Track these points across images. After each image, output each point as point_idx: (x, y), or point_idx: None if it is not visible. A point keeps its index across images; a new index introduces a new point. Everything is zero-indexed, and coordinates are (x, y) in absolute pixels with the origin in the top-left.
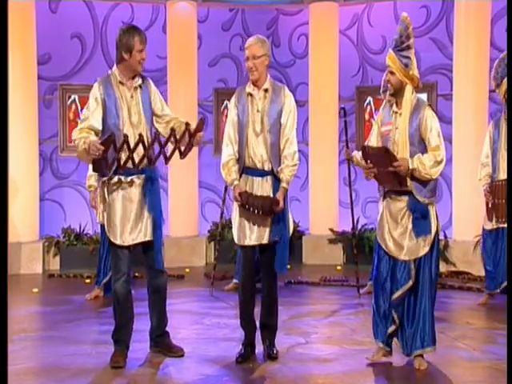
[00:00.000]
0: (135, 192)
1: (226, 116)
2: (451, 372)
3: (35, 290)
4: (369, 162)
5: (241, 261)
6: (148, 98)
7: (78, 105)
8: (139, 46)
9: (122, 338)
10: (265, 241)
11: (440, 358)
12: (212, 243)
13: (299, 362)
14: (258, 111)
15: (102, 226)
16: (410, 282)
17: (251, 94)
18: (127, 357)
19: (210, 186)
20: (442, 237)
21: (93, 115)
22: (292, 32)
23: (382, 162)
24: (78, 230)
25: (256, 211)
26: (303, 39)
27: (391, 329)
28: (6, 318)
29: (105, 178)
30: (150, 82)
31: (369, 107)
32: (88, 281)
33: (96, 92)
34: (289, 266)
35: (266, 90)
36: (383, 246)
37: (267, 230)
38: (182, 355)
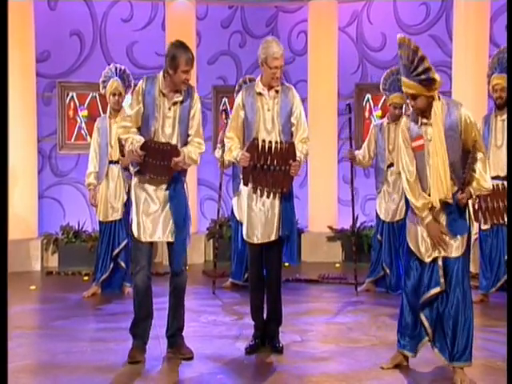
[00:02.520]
0: (160, 191)
1: (226, 114)
2: (446, 369)
3: (33, 287)
4: None
5: (249, 257)
6: (187, 114)
7: (77, 102)
8: (184, 67)
9: (139, 332)
10: (273, 237)
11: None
12: (211, 241)
13: (294, 360)
14: (268, 110)
15: (101, 224)
16: (438, 289)
17: (261, 94)
18: (145, 352)
19: (208, 184)
20: None
21: (135, 114)
22: (291, 29)
23: None
24: (76, 227)
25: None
26: (302, 36)
27: (425, 339)
28: (6, 316)
29: (134, 169)
30: (196, 99)
31: (368, 104)
32: (86, 278)
33: (140, 91)
34: (287, 264)
35: (276, 91)
36: (415, 251)
37: (275, 226)
38: (191, 357)
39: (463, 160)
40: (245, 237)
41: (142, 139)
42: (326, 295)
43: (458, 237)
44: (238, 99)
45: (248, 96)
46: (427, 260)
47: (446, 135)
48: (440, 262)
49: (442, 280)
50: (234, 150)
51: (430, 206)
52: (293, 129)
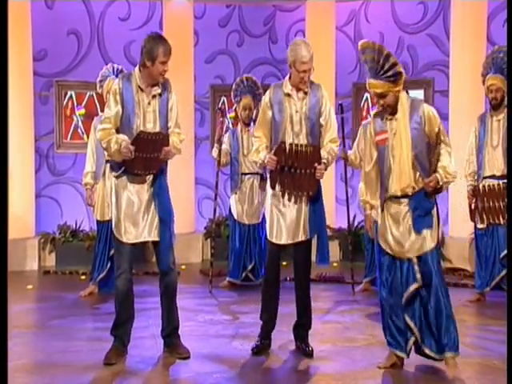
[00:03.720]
0: (143, 191)
1: (222, 112)
2: (442, 368)
3: (30, 286)
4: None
5: (267, 257)
6: (165, 106)
7: (75, 101)
8: (162, 58)
9: (118, 334)
10: (298, 239)
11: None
12: (208, 240)
13: (291, 360)
14: (296, 111)
15: (99, 223)
16: (416, 285)
17: (289, 94)
18: (123, 354)
19: (206, 183)
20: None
21: (114, 115)
22: (289, 28)
23: None
24: (73, 226)
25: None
26: (300, 35)
27: (412, 339)
28: (6, 315)
29: (115, 174)
30: (172, 91)
31: (366, 104)
32: (83, 277)
33: (116, 91)
34: (285, 263)
35: (305, 93)
36: (385, 248)
37: (301, 228)
38: (188, 357)
39: (429, 153)
40: (268, 237)
41: (126, 137)
42: (323, 294)
43: (425, 231)
44: (266, 98)
45: (275, 95)
46: (402, 256)
47: (411, 128)
48: (415, 259)
49: (418, 276)
50: (261, 151)
51: (367, 205)
52: (321, 129)
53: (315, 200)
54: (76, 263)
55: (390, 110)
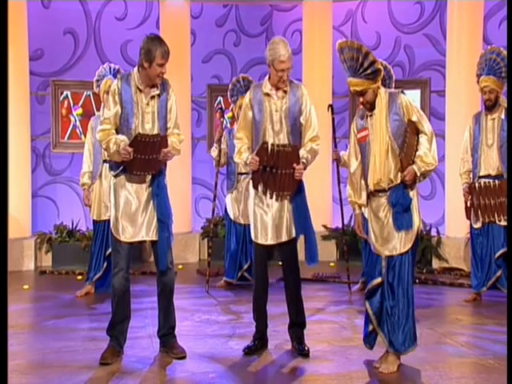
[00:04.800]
0: (141, 190)
1: (222, 112)
2: (438, 368)
3: (26, 286)
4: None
5: (254, 258)
6: (164, 107)
7: (71, 101)
8: (160, 60)
9: (114, 334)
10: (283, 239)
11: (427, 354)
12: (205, 240)
13: (286, 360)
14: (276, 111)
15: (95, 223)
16: (379, 279)
17: (268, 94)
18: (119, 354)
19: (203, 183)
20: (434, 233)
21: (114, 115)
22: (286, 28)
23: None
24: (70, 226)
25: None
26: (297, 35)
27: (370, 327)
28: (6, 315)
29: (113, 173)
30: (171, 91)
31: None
32: (80, 277)
33: (115, 91)
34: (281, 263)
35: (285, 91)
36: (368, 240)
37: (284, 228)
38: (184, 357)
39: (412, 143)
40: (252, 238)
41: (125, 138)
42: (319, 294)
43: (403, 232)
44: (246, 99)
45: (255, 96)
46: (375, 251)
47: (391, 121)
48: (383, 256)
49: (383, 270)
50: (243, 151)
51: (355, 205)
52: (302, 128)
53: (298, 200)
54: (72, 263)
55: (369, 107)
